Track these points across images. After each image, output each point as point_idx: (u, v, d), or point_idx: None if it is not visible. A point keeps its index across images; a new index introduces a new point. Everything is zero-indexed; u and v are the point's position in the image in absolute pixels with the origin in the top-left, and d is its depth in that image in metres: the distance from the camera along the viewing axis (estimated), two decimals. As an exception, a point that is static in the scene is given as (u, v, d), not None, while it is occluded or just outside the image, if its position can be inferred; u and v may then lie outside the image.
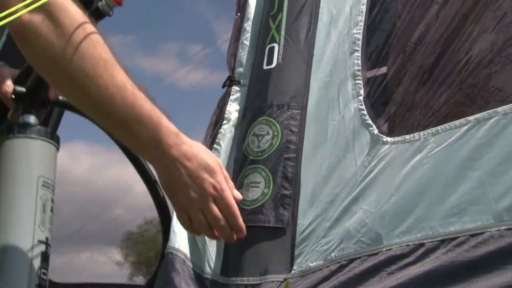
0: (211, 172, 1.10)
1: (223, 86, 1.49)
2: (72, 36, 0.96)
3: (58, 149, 1.29)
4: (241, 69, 1.45)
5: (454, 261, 0.92)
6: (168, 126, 1.06)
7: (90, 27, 0.99)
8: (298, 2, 1.35)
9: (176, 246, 1.34)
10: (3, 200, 1.19)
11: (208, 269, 1.24)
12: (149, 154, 1.11)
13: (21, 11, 0.87)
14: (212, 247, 1.25)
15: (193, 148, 1.09)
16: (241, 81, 1.43)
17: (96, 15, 1.33)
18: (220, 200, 1.10)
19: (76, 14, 0.97)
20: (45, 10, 0.94)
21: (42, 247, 1.17)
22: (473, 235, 0.93)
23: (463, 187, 0.97)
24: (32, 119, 1.27)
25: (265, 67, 1.33)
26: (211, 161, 1.11)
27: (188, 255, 1.31)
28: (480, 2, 1.09)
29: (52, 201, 1.24)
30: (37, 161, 1.23)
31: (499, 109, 0.98)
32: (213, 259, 1.24)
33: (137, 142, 1.08)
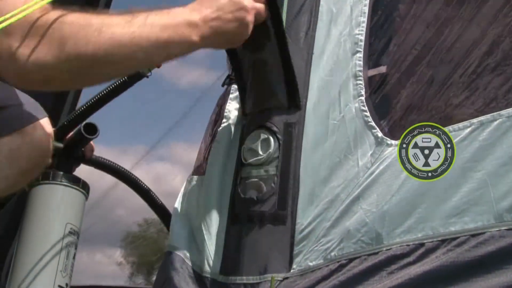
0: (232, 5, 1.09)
1: (223, 85, 1.49)
2: (68, 34, 0.94)
3: (87, 198, 1.33)
4: (241, 68, 1.44)
5: (455, 261, 0.92)
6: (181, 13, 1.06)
7: (71, 17, 0.96)
8: (298, 0, 1.35)
9: (176, 245, 1.34)
10: (31, 242, 1.22)
11: (207, 268, 1.24)
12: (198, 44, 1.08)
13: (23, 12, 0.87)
14: (211, 246, 1.25)
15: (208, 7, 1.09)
16: (241, 80, 1.43)
17: (135, 75, 1.39)
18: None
19: (57, 18, 0.95)
20: (36, 37, 0.92)
21: None
22: (473, 235, 0.93)
23: (465, 188, 0.97)
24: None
25: (265, 65, 1.32)
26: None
27: (188, 254, 1.31)
28: (488, 6, 1.09)
29: (76, 248, 1.27)
30: (67, 208, 1.28)
31: (503, 111, 0.98)
32: (213, 258, 1.24)
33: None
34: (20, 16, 0.89)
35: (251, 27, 1.12)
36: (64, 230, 1.25)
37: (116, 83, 1.48)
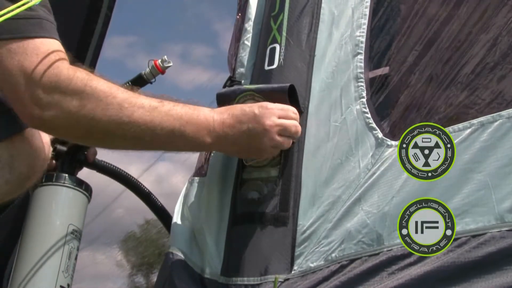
0: (253, 119, 1.12)
1: (224, 87, 1.49)
2: (90, 96, 0.99)
3: (89, 200, 1.34)
4: (242, 70, 1.45)
5: (455, 262, 0.92)
6: (205, 116, 1.10)
7: (97, 82, 1.01)
8: (300, 3, 1.35)
9: (177, 246, 1.34)
10: (33, 242, 1.23)
11: (208, 269, 1.24)
12: (209, 146, 1.14)
13: (15, 11, 0.89)
14: (212, 247, 1.25)
15: (229, 114, 1.12)
16: (242, 82, 1.43)
17: (139, 81, 1.43)
18: (281, 131, 1.15)
19: (84, 78, 1.00)
20: (58, 91, 0.97)
21: None
22: (474, 236, 0.93)
23: (465, 189, 0.97)
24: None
25: (266, 67, 1.32)
26: (248, 109, 1.13)
27: (189, 255, 1.31)
28: (487, 7, 1.10)
29: (77, 249, 1.28)
30: (70, 209, 1.29)
31: (503, 112, 0.98)
32: (214, 259, 1.24)
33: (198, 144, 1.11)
34: (16, 12, 0.91)
35: (267, 143, 1.14)
36: (66, 231, 1.26)
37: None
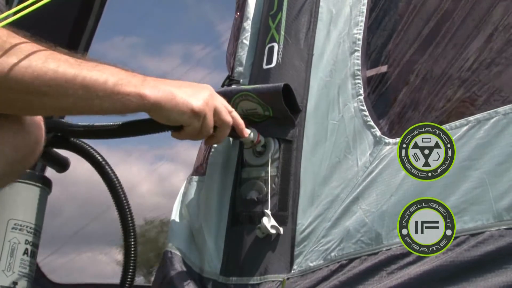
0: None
1: (223, 85, 1.49)
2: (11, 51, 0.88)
3: (48, 192, 1.26)
4: (240, 69, 1.45)
5: (454, 261, 0.92)
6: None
7: (18, 39, 0.91)
8: (298, 1, 1.35)
9: (175, 245, 1.34)
10: None
11: (207, 269, 1.24)
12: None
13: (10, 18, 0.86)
14: (211, 246, 1.25)
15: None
16: (241, 81, 1.43)
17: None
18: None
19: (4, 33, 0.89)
20: None
21: None
22: (473, 235, 0.93)
23: (463, 187, 0.97)
24: None
25: (264, 66, 1.32)
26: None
27: (187, 254, 1.31)
28: (484, 3, 1.09)
29: (29, 243, 1.20)
30: (10, 203, 1.19)
31: (500, 109, 0.98)
32: (213, 259, 1.24)
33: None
34: (18, 16, 0.88)
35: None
36: (6, 227, 1.18)
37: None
